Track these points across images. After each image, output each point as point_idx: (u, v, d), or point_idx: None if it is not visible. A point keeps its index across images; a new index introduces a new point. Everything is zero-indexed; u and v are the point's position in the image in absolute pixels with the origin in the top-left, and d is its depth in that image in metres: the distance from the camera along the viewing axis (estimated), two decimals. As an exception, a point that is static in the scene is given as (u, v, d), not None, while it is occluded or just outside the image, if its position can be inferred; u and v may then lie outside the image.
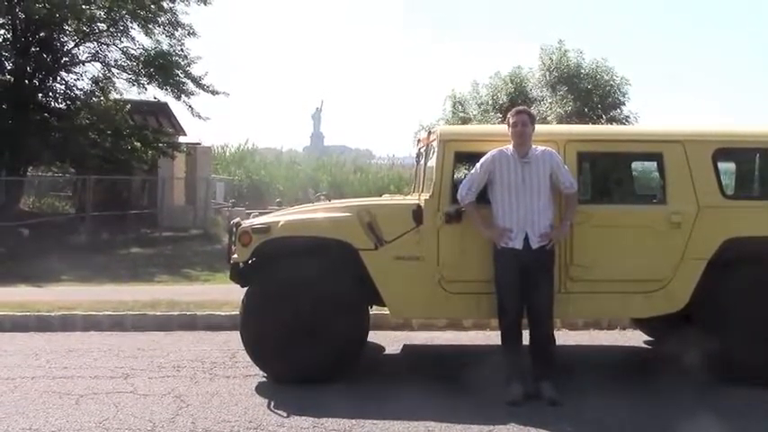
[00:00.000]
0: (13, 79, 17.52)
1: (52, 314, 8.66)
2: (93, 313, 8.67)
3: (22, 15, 17.28)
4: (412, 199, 6.51)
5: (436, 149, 6.21)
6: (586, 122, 18.19)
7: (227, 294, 8.72)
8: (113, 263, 14.16)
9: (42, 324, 8.48)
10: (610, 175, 7.15)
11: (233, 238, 6.54)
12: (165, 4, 18.33)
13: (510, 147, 5.75)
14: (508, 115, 5.93)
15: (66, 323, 8.51)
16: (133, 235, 17.53)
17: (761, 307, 5.93)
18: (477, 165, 5.79)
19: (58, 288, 10.93)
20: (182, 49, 19.04)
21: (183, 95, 19.20)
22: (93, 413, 5.34)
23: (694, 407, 5.58)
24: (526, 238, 5.63)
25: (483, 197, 5.86)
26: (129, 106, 18.68)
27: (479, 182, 5.74)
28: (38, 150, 17.22)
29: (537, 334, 5.78)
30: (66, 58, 18.51)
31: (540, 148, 5.77)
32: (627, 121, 21.06)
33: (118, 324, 8.51)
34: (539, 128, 5.97)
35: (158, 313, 8.72)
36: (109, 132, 17.66)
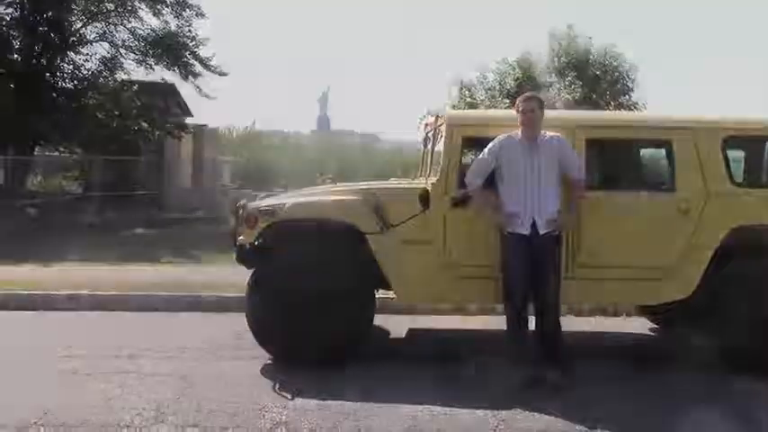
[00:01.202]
0: (20, 58, 17.52)
1: (58, 293, 8.66)
2: (100, 293, 8.67)
3: (30, -6, 17.24)
4: (419, 183, 6.48)
5: (444, 134, 6.18)
6: (594, 108, 18.10)
7: (233, 276, 8.68)
8: (120, 243, 14.14)
9: (48, 303, 8.48)
10: (619, 162, 7.11)
11: (239, 220, 6.53)
12: (173, -16, 18.27)
13: (518, 132, 5.73)
14: (517, 101, 5.91)
15: (72, 302, 8.51)
16: (140, 216, 17.51)
17: (766, 293, 5.91)
18: (485, 150, 5.77)
19: (65, 267, 10.92)
20: (189, 30, 19.06)
21: (190, 76, 19.20)
22: (98, 392, 5.33)
23: (698, 395, 5.58)
24: (534, 224, 5.61)
25: (491, 182, 5.84)
26: (136, 86, 18.64)
27: (487, 167, 5.73)
28: (45, 130, 17.22)
29: (544, 321, 5.78)
30: (74, 38, 18.48)
31: (550, 134, 5.74)
32: (635, 107, 20.97)
33: (123, 304, 8.50)
34: (547, 113, 5.94)
35: (164, 294, 8.71)
36: (116, 113, 17.67)
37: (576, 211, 5.79)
